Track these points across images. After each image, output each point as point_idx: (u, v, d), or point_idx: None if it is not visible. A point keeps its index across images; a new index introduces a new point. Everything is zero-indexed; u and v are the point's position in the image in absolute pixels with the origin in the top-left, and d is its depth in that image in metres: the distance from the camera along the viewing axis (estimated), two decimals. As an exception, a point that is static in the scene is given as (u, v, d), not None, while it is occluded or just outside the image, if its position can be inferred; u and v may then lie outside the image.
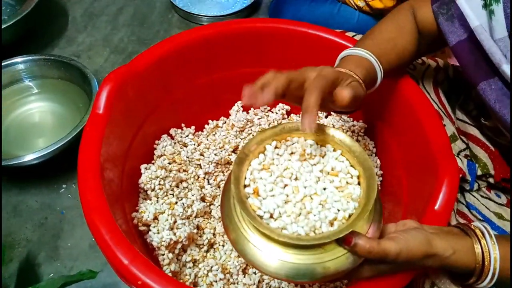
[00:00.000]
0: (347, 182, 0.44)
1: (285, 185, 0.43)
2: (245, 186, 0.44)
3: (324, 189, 0.43)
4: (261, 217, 0.41)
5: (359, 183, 0.44)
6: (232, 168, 0.43)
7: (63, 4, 1.21)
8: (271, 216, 0.42)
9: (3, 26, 0.93)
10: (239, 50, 0.72)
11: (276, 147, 0.47)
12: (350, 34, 0.74)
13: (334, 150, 0.46)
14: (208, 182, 0.74)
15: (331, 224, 0.41)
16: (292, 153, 0.46)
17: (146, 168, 0.66)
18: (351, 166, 0.45)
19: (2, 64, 0.91)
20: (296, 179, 0.44)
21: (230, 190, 0.43)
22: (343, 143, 0.45)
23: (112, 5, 1.23)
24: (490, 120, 0.59)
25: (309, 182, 0.43)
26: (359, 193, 0.43)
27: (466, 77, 0.54)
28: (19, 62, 0.93)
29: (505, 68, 0.47)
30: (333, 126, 0.64)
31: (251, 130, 0.79)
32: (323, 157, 0.46)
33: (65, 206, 0.82)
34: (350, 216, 0.42)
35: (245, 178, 0.44)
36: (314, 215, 0.41)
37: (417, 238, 0.41)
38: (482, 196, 0.60)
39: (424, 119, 0.58)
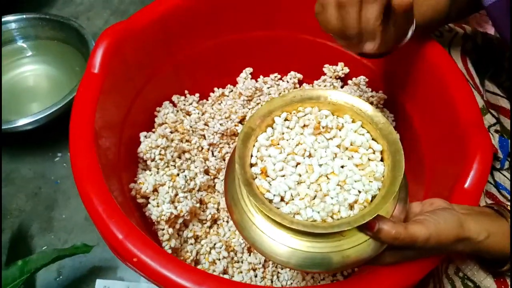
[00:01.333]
0: (368, 159, 0.38)
1: (297, 164, 0.38)
2: (251, 165, 0.38)
3: (342, 167, 0.38)
4: (270, 201, 0.36)
5: (382, 159, 0.39)
6: (236, 144, 0.38)
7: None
8: (282, 200, 0.36)
9: (-6, -18, 0.86)
10: (249, 11, 0.66)
11: (286, 119, 0.40)
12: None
13: (353, 122, 0.40)
14: (213, 154, 0.69)
15: (351, 207, 0.36)
16: (304, 125, 0.40)
17: (145, 137, 0.60)
18: (373, 139, 0.40)
19: (-7, 23, 0.85)
20: (309, 156, 0.38)
21: (235, 170, 0.37)
22: (363, 113, 0.39)
23: (113, -35, 1.15)
24: None
25: (324, 159, 0.38)
26: (383, 171, 0.37)
27: (501, 39, 0.49)
28: (12, 21, 0.87)
29: None
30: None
31: (260, 99, 0.73)
32: (340, 130, 0.40)
33: (60, 176, 0.77)
34: (373, 197, 0.36)
35: (252, 156, 0.39)
36: (332, 198, 0.36)
37: (448, 220, 0.36)
38: (512, 176, 0.54)
39: (454, 88, 0.53)
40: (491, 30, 0.93)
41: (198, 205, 0.60)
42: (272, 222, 0.36)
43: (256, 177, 0.37)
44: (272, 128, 0.40)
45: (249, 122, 0.39)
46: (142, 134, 0.61)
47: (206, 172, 0.66)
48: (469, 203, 0.44)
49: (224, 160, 0.69)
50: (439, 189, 0.53)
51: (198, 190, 0.62)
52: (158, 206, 0.55)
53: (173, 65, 0.66)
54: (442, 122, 0.56)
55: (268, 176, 0.37)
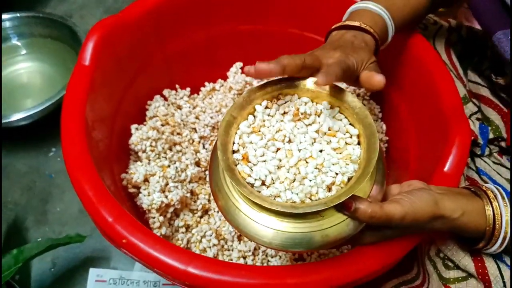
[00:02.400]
0: (346, 143, 0.40)
1: (278, 149, 0.39)
2: (233, 151, 0.40)
3: (321, 151, 0.39)
4: (252, 185, 0.38)
5: (359, 143, 0.40)
6: (218, 133, 0.39)
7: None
8: (263, 184, 0.38)
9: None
10: (239, 3, 0.67)
11: (267, 107, 0.42)
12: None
13: (332, 108, 0.42)
14: (204, 146, 0.70)
15: (329, 189, 0.38)
16: (284, 113, 0.41)
17: (137, 129, 0.62)
18: (350, 124, 0.41)
19: (-12, 21, 0.86)
20: (289, 141, 0.40)
21: (218, 157, 0.39)
22: (341, 99, 0.41)
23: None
24: (504, 77, 0.55)
25: (303, 144, 0.39)
26: (359, 154, 0.39)
27: (482, 27, 0.50)
28: (6, 20, 0.88)
29: None
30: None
31: (250, 93, 0.74)
32: (319, 116, 0.41)
33: (54, 170, 0.78)
34: (349, 179, 0.38)
35: (234, 143, 0.40)
36: (310, 180, 0.37)
37: (423, 199, 0.38)
38: (493, 162, 0.56)
39: (437, 78, 0.54)
40: (477, 25, 0.95)
41: (189, 195, 0.62)
42: (255, 205, 0.37)
43: (238, 163, 0.39)
44: (253, 116, 0.41)
45: (230, 111, 0.40)
46: (133, 126, 0.62)
47: (197, 164, 0.67)
48: (449, 186, 0.45)
49: (215, 152, 0.70)
50: (422, 174, 0.54)
51: (189, 182, 0.63)
52: (149, 195, 0.56)
53: (164, 59, 0.68)
54: (426, 111, 0.58)
55: (249, 162, 0.39)
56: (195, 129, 0.70)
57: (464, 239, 0.44)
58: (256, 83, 0.75)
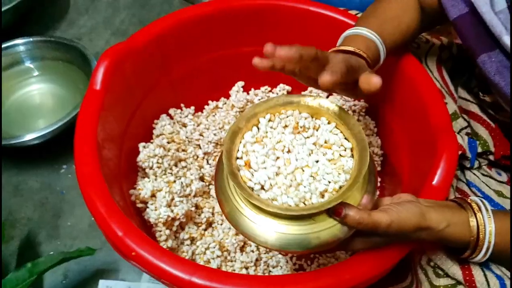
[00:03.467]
0: (340, 155, 0.44)
1: (277, 158, 0.43)
2: (237, 158, 0.44)
3: (317, 161, 0.43)
4: (252, 188, 0.41)
5: (352, 156, 0.44)
6: (224, 141, 0.43)
7: (64, -13, 1.20)
8: (262, 188, 0.42)
9: (3, 8, 0.92)
10: (239, 28, 0.72)
11: (270, 120, 0.46)
12: (353, 12, 0.73)
13: (329, 123, 0.46)
14: (207, 162, 0.73)
15: (322, 195, 0.41)
16: (285, 126, 0.46)
17: (144, 147, 0.65)
18: (345, 138, 0.45)
19: (2, 46, 0.91)
20: (288, 151, 0.44)
21: (223, 164, 0.43)
22: (337, 116, 0.45)
23: (113, -12, 1.22)
24: (490, 95, 0.58)
25: (301, 154, 0.43)
26: (351, 166, 0.42)
27: (466, 50, 0.53)
28: (20, 44, 0.92)
29: (506, 39, 0.46)
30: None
31: (251, 110, 0.78)
32: (317, 130, 0.45)
33: (65, 186, 0.82)
34: (341, 187, 0.41)
35: (238, 151, 0.44)
36: (305, 187, 0.41)
37: (410, 210, 0.41)
38: (482, 174, 0.59)
39: (426, 96, 0.57)
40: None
41: (193, 209, 0.65)
42: (254, 207, 0.41)
43: (240, 169, 0.43)
44: (257, 127, 0.45)
45: (237, 122, 0.44)
46: (141, 145, 0.65)
47: (201, 179, 0.71)
48: (437, 199, 0.48)
49: (219, 167, 0.73)
50: (414, 187, 0.57)
51: (194, 196, 0.67)
52: (156, 209, 0.60)
53: (169, 81, 0.72)
54: (416, 127, 0.61)
55: (251, 168, 0.42)
56: (199, 145, 0.73)
57: (452, 249, 0.47)
58: (257, 100, 0.79)
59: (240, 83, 0.80)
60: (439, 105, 0.56)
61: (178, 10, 0.67)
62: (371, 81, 0.43)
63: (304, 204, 0.40)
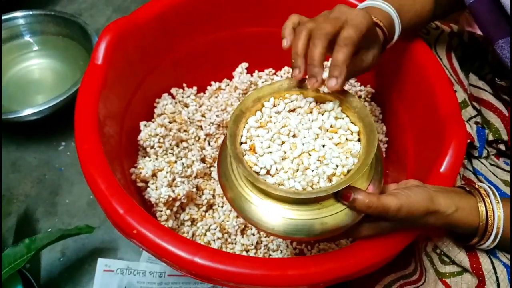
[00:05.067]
0: (346, 139, 0.42)
1: (283, 142, 0.42)
2: (241, 143, 0.42)
3: (323, 146, 0.42)
4: (257, 173, 0.40)
5: (359, 140, 0.43)
6: (228, 125, 0.42)
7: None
8: (268, 173, 0.40)
9: (2, -21, 0.90)
10: (244, 7, 0.70)
11: (274, 105, 0.45)
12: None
13: (334, 107, 0.44)
14: (209, 143, 0.72)
15: (330, 179, 0.40)
16: (290, 110, 0.44)
17: (145, 125, 0.64)
18: (351, 122, 0.44)
19: (2, 18, 0.88)
20: (294, 136, 0.42)
21: (227, 148, 0.41)
22: (343, 100, 0.43)
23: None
24: (506, 80, 0.57)
25: (307, 139, 0.42)
26: (359, 149, 0.41)
27: (484, 35, 0.52)
28: (19, 17, 0.90)
29: None
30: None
31: (255, 93, 0.76)
32: (322, 114, 0.44)
33: (64, 164, 0.81)
34: (349, 171, 0.40)
35: (242, 135, 0.43)
36: (312, 171, 0.40)
37: (419, 194, 0.40)
38: (490, 164, 0.58)
39: (435, 83, 0.56)
40: (478, 30, 0.97)
41: (194, 190, 0.64)
42: (260, 193, 0.40)
43: (245, 154, 0.41)
44: (261, 112, 0.44)
45: (240, 105, 0.43)
46: (142, 123, 0.64)
47: (203, 160, 0.70)
48: (444, 185, 0.47)
49: (220, 149, 0.72)
50: (419, 175, 0.56)
51: (195, 177, 0.66)
52: (156, 189, 0.59)
53: (172, 60, 0.70)
54: (424, 114, 0.60)
55: (256, 153, 0.41)
56: (201, 126, 0.72)
57: (459, 236, 0.46)
58: (260, 83, 0.77)
59: (244, 65, 0.78)
60: (448, 93, 0.55)
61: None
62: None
63: (312, 188, 0.39)
